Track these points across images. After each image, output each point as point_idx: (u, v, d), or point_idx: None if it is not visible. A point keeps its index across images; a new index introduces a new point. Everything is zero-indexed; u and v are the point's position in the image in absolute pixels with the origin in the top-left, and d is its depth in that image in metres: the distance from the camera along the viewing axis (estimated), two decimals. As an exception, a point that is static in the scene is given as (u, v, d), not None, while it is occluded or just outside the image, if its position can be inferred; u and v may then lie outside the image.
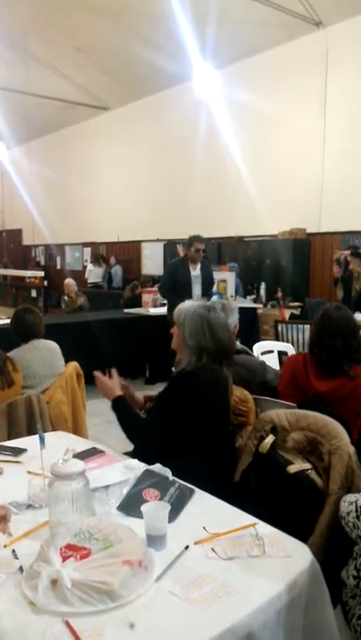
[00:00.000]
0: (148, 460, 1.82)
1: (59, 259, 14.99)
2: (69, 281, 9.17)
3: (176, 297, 5.79)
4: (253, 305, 7.74)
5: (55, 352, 3.44)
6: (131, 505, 1.59)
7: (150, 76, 9.96)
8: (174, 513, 1.55)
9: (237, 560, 1.36)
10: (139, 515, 1.46)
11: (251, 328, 6.91)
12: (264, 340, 5.61)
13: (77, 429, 3.31)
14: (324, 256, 8.26)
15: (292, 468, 1.83)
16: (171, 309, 4.41)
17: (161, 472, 1.74)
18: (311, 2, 7.37)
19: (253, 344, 4.28)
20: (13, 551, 1.38)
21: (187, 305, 2.18)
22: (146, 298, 7.39)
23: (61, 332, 4.40)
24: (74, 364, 3.49)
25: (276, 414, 2.06)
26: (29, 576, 1.24)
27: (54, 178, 13.60)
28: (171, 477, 1.72)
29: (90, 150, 13.02)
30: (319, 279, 8.39)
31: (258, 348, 4.30)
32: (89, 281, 12.29)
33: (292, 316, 7.03)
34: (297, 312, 7.48)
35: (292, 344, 5.00)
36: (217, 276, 6.96)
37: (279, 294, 8.08)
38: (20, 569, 1.30)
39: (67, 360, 3.49)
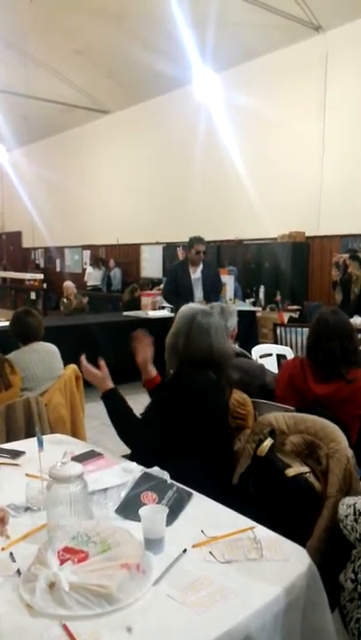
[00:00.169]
0: (146, 463, 1.82)
1: (58, 261, 15.01)
2: (68, 283, 9.19)
3: (179, 300, 5.80)
4: (252, 308, 7.75)
5: (54, 354, 3.44)
6: (129, 508, 1.59)
7: (150, 80, 9.98)
8: (172, 516, 1.54)
9: (235, 563, 1.36)
10: (137, 518, 1.46)
11: (250, 331, 6.91)
12: (263, 343, 5.62)
13: (76, 432, 3.31)
14: (323, 259, 8.27)
15: (291, 472, 1.83)
16: (175, 313, 4.40)
17: (159, 475, 1.73)
18: (311, 6, 7.39)
19: (252, 347, 4.28)
20: (11, 554, 1.38)
21: (182, 309, 2.20)
22: (145, 300, 7.38)
23: (60, 335, 4.40)
24: (73, 367, 3.48)
25: (275, 417, 2.06)
26: (27, 579, 1.24)
27: (54, 180, 13.62)
28: (169, 480, 1.72)
29: (90, 153, 13.05)
30: (318, 282, 8.40)
31: (257, 351, 4.30)
32: (88, 284, 12.30)
33: (291, 320, 7.03)
34: (296, 315, 7.48)
35: (291, 347, 5.00)
36: (216, 278, 6.95)
37: (278, 297, 8.09)
38: (18, 572, 1.29)
39: (65, 363, 3.49)
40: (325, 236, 8.19)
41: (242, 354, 2.85)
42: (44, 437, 1.82)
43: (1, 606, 1.19)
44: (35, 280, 12.91)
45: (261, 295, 8.42)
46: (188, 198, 10.18)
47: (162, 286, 8.85)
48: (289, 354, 4.45)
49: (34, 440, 1.79)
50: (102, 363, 2.17)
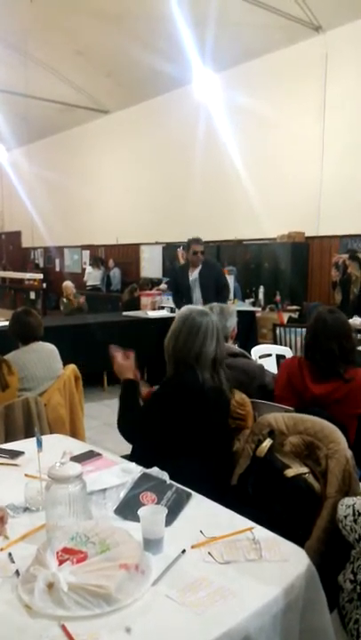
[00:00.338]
0: (145, 463, 1.82)
1: (58, 261, 15.00)
2: (68, 283, 9.19)
3: (179, 301, 5.80)
4: (252, 308, 7.75)
5: (53, 354, 3.44)
6: (128, 508, 1.59)
7: (150, 80, 9.98)
8: (171, 516, 1.54)
9: (234, 564, 1.36)
10: (136, 518, 1.46)
11: (249, 331, 6.92)
12: (262, 343, 5.62)
13: (75, 432, 3.31)
14: (322, 259, 8.27)
15: (290, 472, 1.83)
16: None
17: (158, 476, 1.73)
18: (311, 6, 7.39)
19: (252, 347, 4.29)
20: (10, 554, 1.38)
21: (180, 309, 2.22)
22: (144, 301, 7.38)
23: (60, 335, 4.40)
24: (72, 367, 3.49)
25: (274, 418, 2.06)
26: (26, 579, 1.24)
27: (54, 180, 13.61)
28: (168, 481, 1.72)
29: (90, 153, 13.04)
30: (318, 283, 8.40)
31: (256, 351, 4.30)
32: (88, 283, 12.29)
33: (291, 320, 7.04)
34: (295, 315, 7.49)
35: (291, 347, 5.00)
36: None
37: (278, 298, 8.09)
38: (17, 572, 1.29)
39: (65, 362, 3.50)
40: (325, 237, 8.19)
41: (241, 354, 2.85)
42: (43, 437, 1.82)
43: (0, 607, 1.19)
44: (34, 280, 12.90)
45: (261, 295, 8.42)
46: (187, 198, 10.18)
47: (161, 286, 8.89)
48: (288, 354, 4.45)
49: (33, 440, 1.79)
50: (132, 354, 2.24)
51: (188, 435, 2.03)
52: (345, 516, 1.58)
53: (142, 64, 9.23)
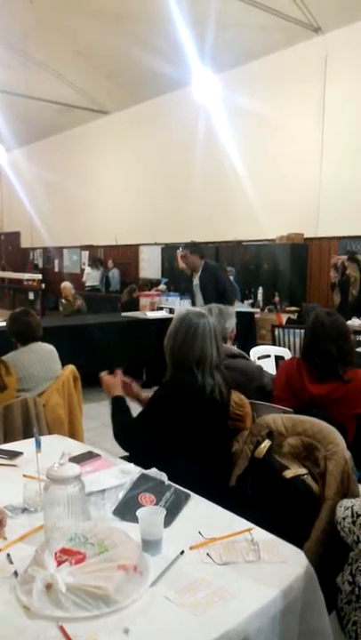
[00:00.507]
0: (144, 464, 1.82)
1: (57, 261, 14.99)
2: (66, 284, 9.18)
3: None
4: (251, 309, 7.75)
5: (52, 355, 3.44)
6: (126, 509, 1.59)
7: (150, 80, 9.99)
8: (170, 517, 1.54)
9: (233, 565, 1.36)
10: (134, 519, 1.45)
11: (248, 332, 6.91)
12: (261, 344, 5.62)
13: (74, 433, 3.31)
14: (321, 261, 8.28)
15: (289, 473, 1.83)
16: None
17: (157, 476, 1.73)
18: (310, 8, 7.40)
19: (250, 348, 4.29)
20: (8, 555, 1.38)
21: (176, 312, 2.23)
22: (143, 301, 7.37)
23: (59, 335, 4.40)
24: (71, 368, 3.48)
25: (273, 419, 2.06)
26: (24, 580, 1.24)
27: (53, 180, 13.61)
28: (167, 482, 1.72)
29: (89, 154, 13.04)
30: (316, 284, 8.41)
31: (255, 352, 4.31)
32: (87, 284, 12.28)
33: (290, 321, 7.05)
34: (294, 317, 7.50)
35: (290, 349, 5.00)
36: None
37: (277, 299, 8.09)
38: (15, 573, 1.29)
39: (63, 363, 3.49)
40: (324, 238, 8.20)
41: (240, 355, 2.85)
42: (42, 438, 1.82)
43: (-2, 607, 1.19)
44: (33, 280, 12.89)
45: (260, 296, 8.43)
46: (186, 199, 10.18)
47: (160, 287, 8.89)
48: (287, 355, 4.45)
49: (31, 441, 1.79)
50: (119, 371, 2.30)
51: (186, 436, 2.03)
52: (343, 518, 1.58)
53: (142, 65, 9.24)
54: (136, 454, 2.02)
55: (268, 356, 4.42)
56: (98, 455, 2.04)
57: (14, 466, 2.01)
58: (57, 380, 3.35)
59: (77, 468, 1.46)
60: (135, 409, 2.22)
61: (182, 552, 1.39)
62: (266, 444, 1.94)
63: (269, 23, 7.56)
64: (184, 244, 5.86)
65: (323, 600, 1.38)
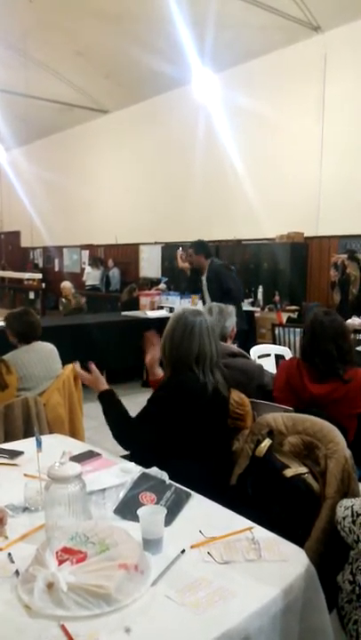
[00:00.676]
0: (145, 463, 1.82)
1: (57, 261, 14.99)
2: (66, 284, 9.18)
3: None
4: (251, 308, 7.74)
5: (53, 354, 3.44)
6: (127, 508, 1.59)
7: (149, 80, 9.98)
8: (171, 517, 1.54)
9: (234, 564, 1.36)
10: (135, 518, 1.46)
11: (248, 331, 6.91)
12: (261, 343, 5.62)
13: (74, 432, 3.31)
14: (321, 260, 8.28)
15: (289, 472, 1.83)
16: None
17: (158, 475, 1.73)
18: (310, 6, 7.39)
19: (251, 347, 4.29)
20: (9, 554, 1.38)
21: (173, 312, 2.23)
22: (143, 301, 7.37)
23: (59, 335, 4.40)
24: (71, 367, 3.48)
25: (273, 418, 2.06)
26: (25, 579, 1.24)
27: (53, 180, 13.60)
28: (167, 481, 1.72)
29: (89, 153, 13.04)
30: (316, 283, 8.40)
31: (255, 351, 4.30)
32: (87, 283, 12.29)
33: (290, 320, 7.04)
34: (294, 315, 7.49)
35: (290, 347, 5.01)
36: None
37: (277, 298, 8.09)
38: (16, 572, 1.29)
39: (64, 362, 3.49)
40: (324, 237, 8.20)
41: (240, 354, 2.85)
42: (43, 437, 1.82)
43: (-1, 607, 1.19)
44: (33, 280, 12.91)
45: (260, 295, 8.43)
46: (186, 198, 10.18)
47: (160, 286, 8.89)
48: (287, 354, 4.45)
49: (32, 440, 1.79)
50: (93, 366, 2.23)
51: (187, 435, 2.03)
52: (344, 518, 1.58)
53: (142, 64, 9.23)
54: (137, 453, 2.02)
55: (269, 354, 4.42)
56: (98, 454, 2.05)
57: (15, 465, 2.01)
58: (57, 379, 3.35)
59: (78, 468, 1.46)
60: (130, 408, 2.19)
61: (183, 551, 1.40)
62: (266, 442, 1.94)
63: (269, 22, 7.56)
64: (190, 244, 5.82)
65: (323, 599, 1.39)
